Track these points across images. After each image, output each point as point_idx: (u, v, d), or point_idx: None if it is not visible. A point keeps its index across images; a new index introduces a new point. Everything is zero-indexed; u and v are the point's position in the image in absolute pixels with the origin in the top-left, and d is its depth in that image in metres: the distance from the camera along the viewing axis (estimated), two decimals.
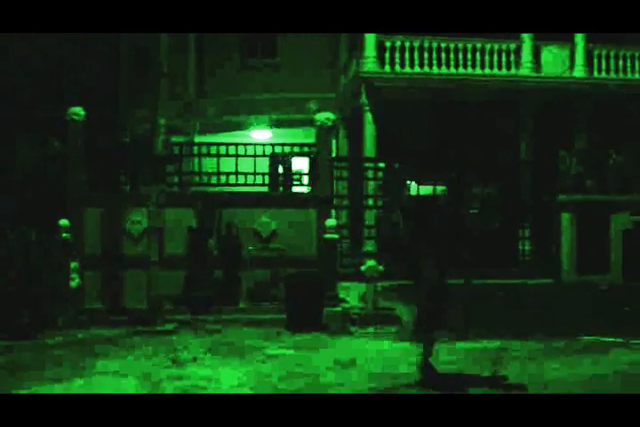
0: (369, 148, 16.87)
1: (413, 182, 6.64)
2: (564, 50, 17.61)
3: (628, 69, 17.87)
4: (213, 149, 11.62)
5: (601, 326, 9.09)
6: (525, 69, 17.40)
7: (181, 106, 19.76)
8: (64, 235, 10.04)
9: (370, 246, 14.18)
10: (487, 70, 17.29)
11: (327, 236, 10.55)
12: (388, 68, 17.03)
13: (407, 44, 16.94)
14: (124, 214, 10.61)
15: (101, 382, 6.54)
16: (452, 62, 17.15)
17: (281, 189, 12.12)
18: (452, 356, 7.75)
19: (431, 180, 6.55)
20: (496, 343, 8.42)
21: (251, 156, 11.60)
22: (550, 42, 17.33)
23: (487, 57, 17.28)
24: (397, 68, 17.04)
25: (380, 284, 10.50)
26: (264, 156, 11.90)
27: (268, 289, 10.63)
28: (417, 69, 17.05)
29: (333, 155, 15.86)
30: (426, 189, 6.63)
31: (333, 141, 16.72)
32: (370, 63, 16.96)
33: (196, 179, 11.94)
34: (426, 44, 16.97)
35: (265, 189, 11.79)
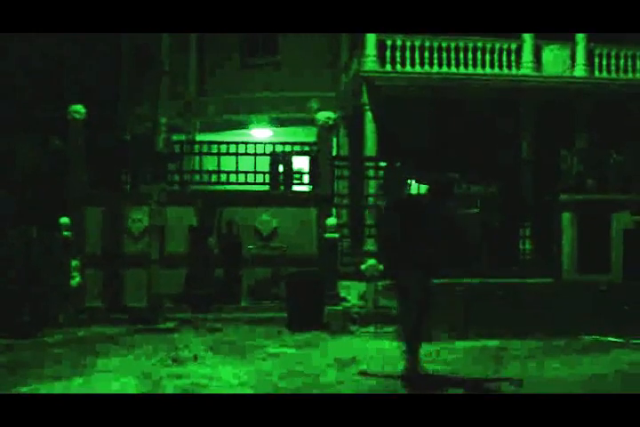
0: (370, 147, 16.87)
1: (414, 181, 6.64)
2: (564, 49, 17.59)
3: (630, 69, 17.85)
4: (214, 148, 11.63)
5: (601, 325, 9.09)
6: (526, 69, 17.38)
7: (182, 104, 19.78)
8: (65, 233, 10.05)
9: (370, 245, 14.16)
10: (488, 70, 17.27)
11: (328, 235, 10.56)
12: (388, 67, 17.01)
13: (408, 43, 16.92)
14: (125, 213, 10.62)
15: (102, 380, 6.54)
16: (453, 61, 17.13)
17: (282, 187, 12.12)
18: (451, 355, 7.77)
19: (425, 179, 6.54)
20: (496, 343, 8.43)
21: (251, 154, 11.60)
22: (551, 41, 17.31)
23: (488, 56, 17.26)
24: (398, 67, 17.02)
25: (380, 283, 10.50)
26: (265, 154, 11.91)
27: (269, 288, 10.64)
28: (418, 68, 17.03)
29: (334, 154, 15.85)
30: (426, 188, 6.63)
31: (334, 140, 16.71)
32: (370, 62, 16.95)
33: (197, 177, 11.95)
34: (427, 44, 16.95)
35: (265, 187, 11.80)
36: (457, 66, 17.15)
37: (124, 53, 20.56)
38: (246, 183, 11.53)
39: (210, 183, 11.62)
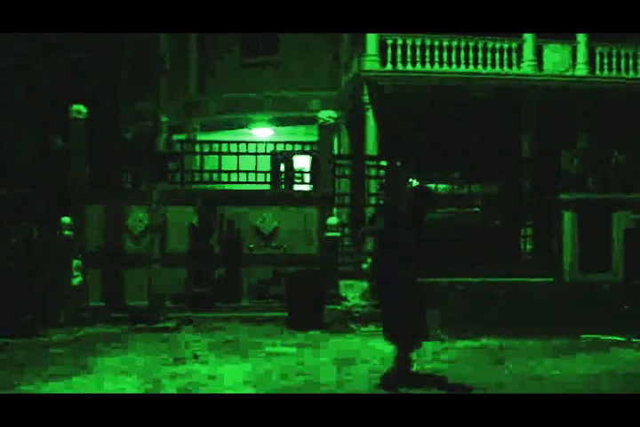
0: (370, 146, 16.87)
1: (414, 180, 6.65)
2: (565, 48, 17.59)
3: (630, 68, 17.86)
4: (215, 147, 11.63)
5: (602, 324, 9.09)
6: (527, 68, 17.38)
7: (183, 104, 19.79)
8: (66, 232, 10.05)
9: (371, 245, 14.17)
10: (489, 69, 17.27)
11: (328, 234, 10.55)
12: (389, 66, 17.02)
13: (409, 43, 16.92)
14: (126, 212, 10.61)
15: (102, 379, 6.56)
16: (454, 60, 17.13)
17: (282, 187, 12.12)
18: (451, 354, 7.78)
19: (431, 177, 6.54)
20: (496, 342, 8.43)
21: (252, 154, 11.60)
22: (552, 40, 17.32)
23: (489, 55, 17.26)
24: (399, 66, 17.02)
25: None
26: (265, 154, 11.91)
27: (270, 287, 10.64)
28: (418, 68, 17.03)
29: (335, 153, 15.85)
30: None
31: (335, 139, 16.71)
32: (371, 61, 16.95)
33: (198, 177, 11.95)
34: (427, 43, 16.95)
35: (266, 187, 11.80)
36: (458, 65, 17.16)
37: (124, 53, 20.59)
38: (247, 182, 11.53)
39: (211, 182, 11.63)
